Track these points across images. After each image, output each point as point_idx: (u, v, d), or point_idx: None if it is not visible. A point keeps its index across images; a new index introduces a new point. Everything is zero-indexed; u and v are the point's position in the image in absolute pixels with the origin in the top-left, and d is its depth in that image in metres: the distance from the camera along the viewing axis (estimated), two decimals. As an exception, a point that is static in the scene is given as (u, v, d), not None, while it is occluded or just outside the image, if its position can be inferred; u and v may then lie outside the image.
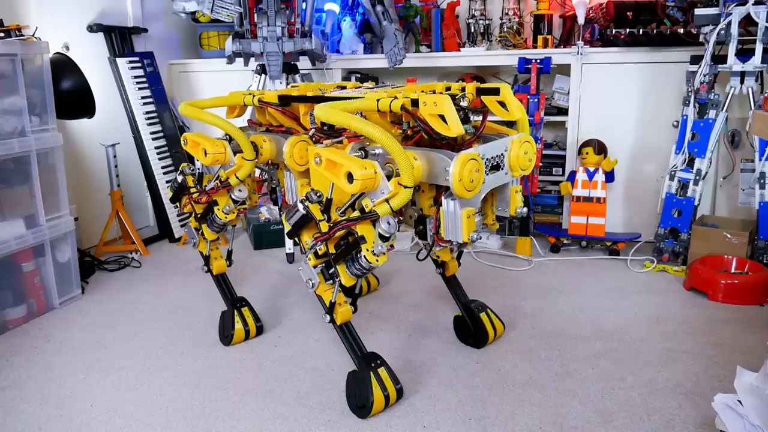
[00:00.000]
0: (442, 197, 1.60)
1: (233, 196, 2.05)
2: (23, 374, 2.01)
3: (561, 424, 1.67)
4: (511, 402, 1.78)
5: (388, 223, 1.54)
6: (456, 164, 1.48)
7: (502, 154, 1.65)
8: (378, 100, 1.61)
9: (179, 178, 2.15)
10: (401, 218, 1.87)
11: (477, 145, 1.65)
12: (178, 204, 2.24)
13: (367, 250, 1.56)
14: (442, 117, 1.53)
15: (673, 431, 1.63)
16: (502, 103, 1.67)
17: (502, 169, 1.66)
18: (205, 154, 1.97)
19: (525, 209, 1.75)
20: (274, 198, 2.21)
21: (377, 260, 1.56)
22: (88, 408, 1.80)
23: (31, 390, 1.91)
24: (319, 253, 1.70)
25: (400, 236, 1.82)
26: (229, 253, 2.26)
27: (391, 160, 1.56)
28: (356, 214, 1.58)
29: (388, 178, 1.54)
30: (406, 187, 1.50)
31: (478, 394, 1.82)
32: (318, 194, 1.65)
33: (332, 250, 1.67)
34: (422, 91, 1.68)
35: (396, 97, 1.60)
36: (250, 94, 2.05)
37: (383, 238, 1.56)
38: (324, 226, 1.63)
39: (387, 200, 1.51)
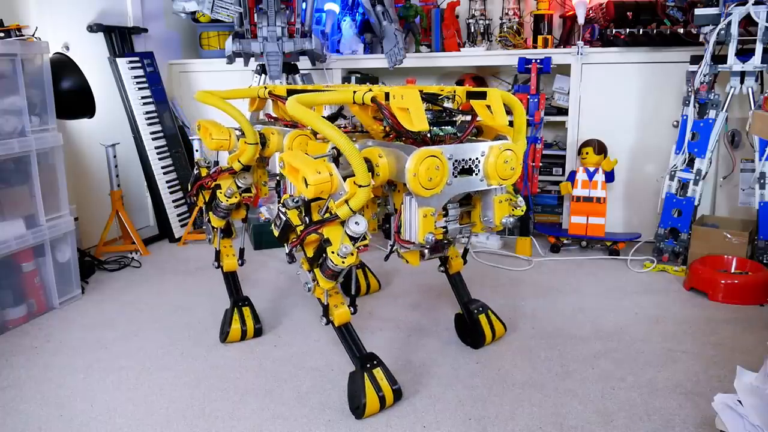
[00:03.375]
0: (404, 195, 1.57)
1: (238, 183, 2.09)
2: (23, 374, 2.01)
3: (561, 424, 1.67)
4: (511, 402, 1.78)
5: (357, 223, 1.53)
6: (411, 160, 1.45)
7: (476, 159, 1.60)
8: (354, 92, 1.59)
9: (195, 171, 2.18)
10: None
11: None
12: (194, 198, 2.26)
13: (333, 252, 1.55)
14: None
15: (673, 431, 1.63)
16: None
17: (477, 174, 1.61)
18: (211, 138, 2.02)
19: (512, 219, 1.70)
20: (278, 190, 2.23)
21: (343, 261, 1.54)
22: (88, 408, 1.80)
23: (31, 390, 1.91)
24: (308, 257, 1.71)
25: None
26: (242, 251, 2.26)
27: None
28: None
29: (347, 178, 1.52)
30: (361, 186, 1.48)
31: (478, 394, 1.82)
32: (295, 199, 1.64)
33: (309, 254, 1.66)
34: None
35: (371, 89, 1.58)
36: (264, 87, 2.09)
37: (352, 239, 1.55)
38: (299, 231, 1.63)
39: (346, 201, 1.50)
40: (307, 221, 1.65)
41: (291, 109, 1.54)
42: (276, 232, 1.74)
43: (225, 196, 2.08)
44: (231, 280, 2.27)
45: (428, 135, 1.62)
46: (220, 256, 2.25)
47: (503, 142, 1.65)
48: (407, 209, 1.56)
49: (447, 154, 1.53)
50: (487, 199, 1.71)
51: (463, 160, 1.58)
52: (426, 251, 1.67)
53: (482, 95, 1.65)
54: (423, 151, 1.47)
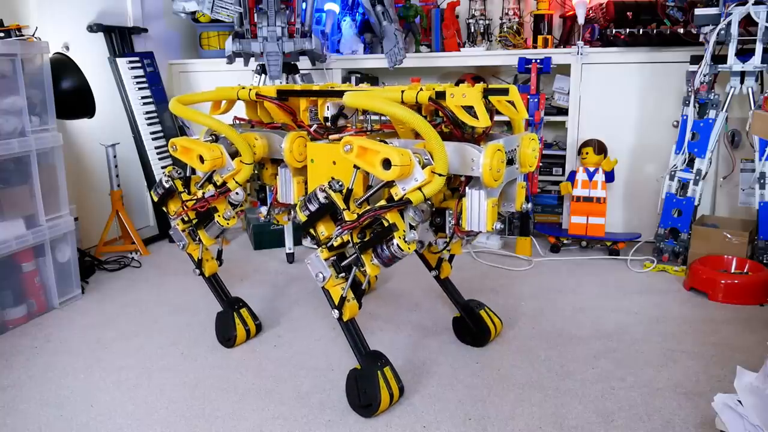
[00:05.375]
0: (466, 188, 1.62)
1: (230, 200, 2.03)
2: (23, 374, 2.01)
3: (561, 424, 1.67)
4: (511, 402, 1.78)
5: (415, 212, 1.57)
6: (486, 154, 1.53)
7: (515, 149, 1.69)
8: (402, 92, 1.65)
9: (165, 183, 2.12)
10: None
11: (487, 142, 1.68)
12: (165, 209, 2.22)
13: (400, 237, 1.58)
14: (465, 109, 1.58)
15: (673, 431, 1.63)
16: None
17: (515, 163, 1.70)
18: (202, 160, 1.93)
19: (529, 204, 1.79)
20: (262, 197, 2.19)
21: (409, 247, 1.58)
22: (88, 408, 1.80)
23: (31, 390, 1.91)
24: (335, 245, 1.70)
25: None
26: (219, 252, 2.24)
27: (415, 150, 1.58)
28: (381, 202, 1.59)
29: None
30: (440, 175, 1.52)
31: (478, 394, 1.82)
32: (339, 183, 1.66)
33: (355, 239, 1.67)
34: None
35: (422, 89, 1.64)
36: (243, 88, 2.04)
37: (411, 227, 1.59)
38: (348, 215, 1.64)
39: (420, 188, 1.53)
40: (346, 208, 1.67)
41: (354, 102, 1.60)
42: (303, 217, 1.74)
43: (224, 219, 2.03)
44: (216, 283, 2.24)
45: (471, 132, 1.69)
46: (201, 263, 2.20)
47: (529, 133, 1.75)
48: (471, 201, 1.62)
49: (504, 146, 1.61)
50: (512, 186, 1.77)
51: (509, 151, 1.66)
52: (466, 240, 1.79)
53: (502, 91, 1.69)
54: (493, 145, 1.54)
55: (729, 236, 2.72)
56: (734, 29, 2.60)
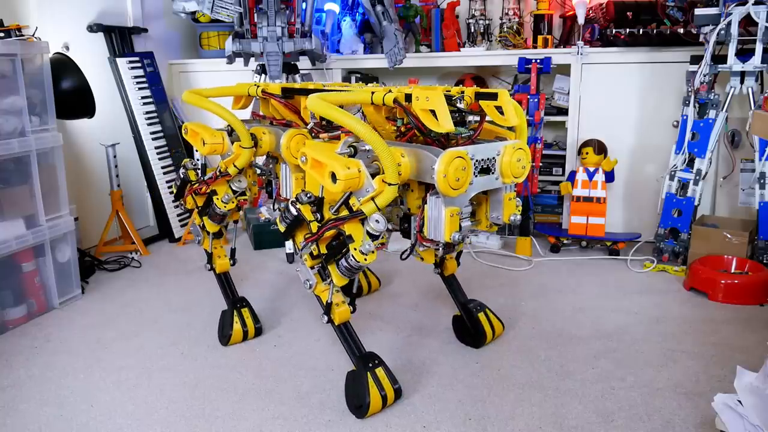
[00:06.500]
0: (428, 195, 1.59)
1: (233, 187, 2.06)
2: (23, 374, 2.01)
3: (561, 424, 1.67)
4: (511, 402, 1.78)
5: (377, 221, 1.54)
6: (441, 161, 1.47)
7: (493, 158, 1.63)
8: (372, 93, 1.62)
9: (182, 173, 2.16)
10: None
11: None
12: (182, 201, 2.24)
13: (355, 249, 1.56)
14: (434, 113, 1.53)
15: (673, 431, 1.63)
16: (500, 108, 1.67)
17: (493, 173, 1.64)
18: (204, 143, 1.98)
19: (519, 217, 1.73)
20: (269, 190, 2.21)
21: (365, 259, 1.56)
22: (88, 408, 1.80)
23: (31, 390, 1.91)
24: (314, 254, 1.70)
25: (399, 236, 1.81)
26: (233, 251, 2.26)
27: (376, 158, 1.56)
28: (346, 212, 1.58)
29: (375, 175, 1.53)
30: (390, 184, 1.49)
31: (478, 394, 1.82)
32: (308, 195, 1.65)
33: (323, 250, 1.67)
34: None
35: (391, 91, 1.60)
36: (255, 85, 2.07)
37: (372, 237, 1.56)
38: (315, 227, 1.63)
39: (372, 198, 1.51)
40: (319, 218, 1.65)
41: (313, 106, 1.56)
42: (282, 227, 1.74)
43: (222, 202, 2.06)
44: (225, 281, 2.27)
45: (445, 136, 1.64)
46: (212, 258, 2.24)
47: (516, 142, 1.68)
48: (432, 209, 1.58)
49: (470, 154, 1.55)
50: (497, 197, 1.73)
51: (482, 159, 1.61)
52: (440, 248, 1.70)
53: (491, 96, 1.66)
54: (451, 152, 1.49)
55: (729, 236, 2.72)
56: (734, 29, 2.60)
